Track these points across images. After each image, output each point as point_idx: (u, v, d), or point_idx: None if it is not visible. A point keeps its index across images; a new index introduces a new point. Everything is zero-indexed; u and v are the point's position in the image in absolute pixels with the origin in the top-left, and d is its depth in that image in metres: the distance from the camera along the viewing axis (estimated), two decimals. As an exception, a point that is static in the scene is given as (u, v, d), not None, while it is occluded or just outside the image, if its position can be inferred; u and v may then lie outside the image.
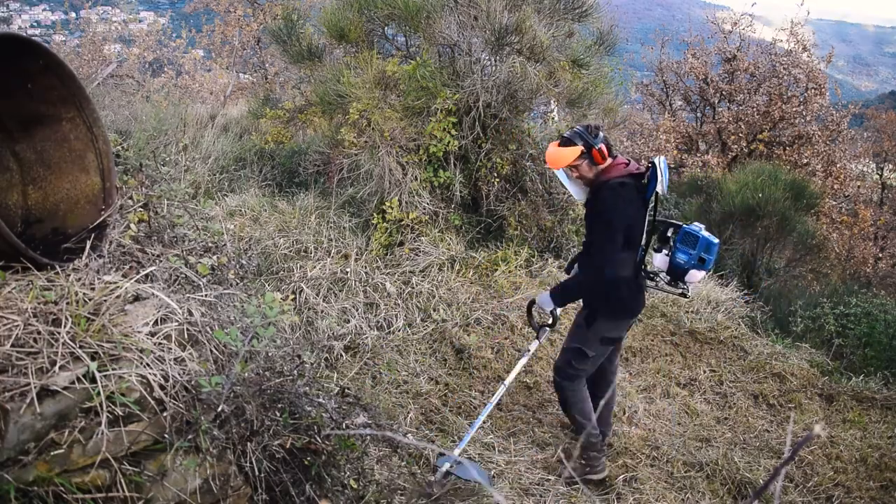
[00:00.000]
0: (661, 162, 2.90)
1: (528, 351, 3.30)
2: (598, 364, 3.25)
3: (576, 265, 3.43)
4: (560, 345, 4.59)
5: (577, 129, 2.99)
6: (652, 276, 3.29)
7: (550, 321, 3.29)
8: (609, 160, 3.00)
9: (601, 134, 2.98)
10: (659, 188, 2.91)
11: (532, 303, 3.40)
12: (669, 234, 3.23)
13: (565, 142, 2.99)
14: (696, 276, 3.12)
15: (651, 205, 3.05)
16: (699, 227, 3.12)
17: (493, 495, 2.50)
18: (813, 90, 11.05)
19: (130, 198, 2.34)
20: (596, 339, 3.11)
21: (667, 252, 3.21)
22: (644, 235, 3.06)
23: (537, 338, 3.30)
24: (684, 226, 3.15)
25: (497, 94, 5.28)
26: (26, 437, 1.42)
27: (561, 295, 3.16)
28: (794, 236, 7.32)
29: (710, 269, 3.17)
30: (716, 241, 3.09)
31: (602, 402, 3.33)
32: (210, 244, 2.43)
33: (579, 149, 2.94)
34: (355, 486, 2.18)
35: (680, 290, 3.21)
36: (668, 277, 3.21)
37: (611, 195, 2.92)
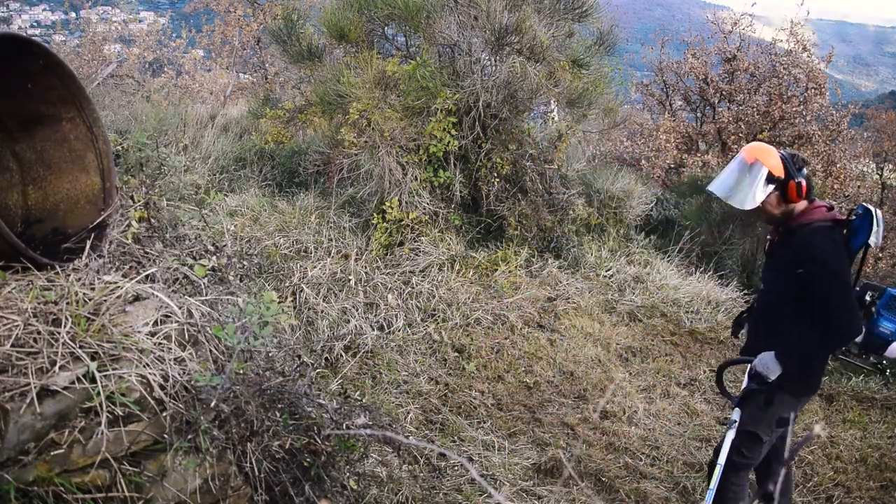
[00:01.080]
0: (874, 209, 2.50)
1: (735, 422, 2.68)
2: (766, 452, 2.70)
3: (746, 326, 2.92)
4: (565, 345, 4.60)
5: (782, 152, 2.54)
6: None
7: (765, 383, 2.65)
8: (804, 202, 2.54)
9: (805, 170, 2.53)
10: (872, 240, 2.47)
11: (725, 366, 2.89)
12: (868, 297, 2.75)
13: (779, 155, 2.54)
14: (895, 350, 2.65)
15: (856, 258, 2.59)
16: None
17: (493, 495, 2.50)
18: (813, 90, 11.05)
19: (132, 197, 2.34)
20: (773, 420, 2.60)
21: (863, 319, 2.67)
22: None
23: (738, 406, 2.71)
24: (889, 289, 2.69)
25: (497, 94, 5.29)
26: (26, 437, 1.41)
27: (798, 362, 2.50)
28: (794, 236, 7.30)
29: None
30: None
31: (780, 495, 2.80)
32: (210, 246, 2.43)
33: (782, 169, 2.48)
34: (355, 487, 2.18)
35: (872, 363, 2.88)
36: (860, 348, 2.72)
37: (824, 240, 2.44)
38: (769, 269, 2.77)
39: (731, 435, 2.63)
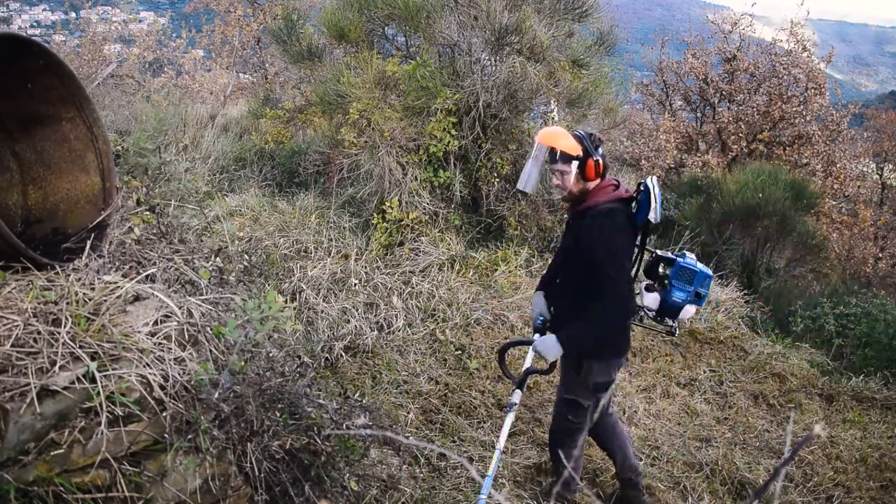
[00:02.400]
0: (653, 185, 2.58)
1: (514, 405, 2.79)
2: (594, 416, 2.87)
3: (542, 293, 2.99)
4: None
5: (578, 131, 2.65)
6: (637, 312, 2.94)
7: (545, 367, 2.92)
8: (597, 181, 2.67)
9: (601, 149, 2.66)
10: (651, 216, 2.58)
11: (506, 349, 3.04)
12: (661, 269, 2.89)
13: (571, 135, 2.65)
14: (689, 311, 2.84)
15: (641, 235, 2.76)
16: (693, 260, 2.83)
17: (493, 495, 2.50)
18: (813, 90, 11.05)
19: (138, 201, 2.34)
20: (588, 385, 2.75)
21: (657, 289, 2.87)
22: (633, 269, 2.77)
23: (519, 388, 2.83)
24: (679, 260, 2.82)
25: (497, 94, 5.29)
26: (26, 437, 1.42)
27: (573, 343, 2.66)
28: (794, 236, 7.31)
29: (703, 304, 2.92)
30: (710, 273, 2.83)
31: (619, 449, 3.03)
32: (214, 247, 2.43)
33: (578, 149, 2.59)
34: (355, 488, 2.18)
35: (668, 328, 2.91)
36: (656, 314, 2.88)
37: (600, 224, 2.57)
38: (561, 249, 2.95)
39: (510, 419, 2.75)
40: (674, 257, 2.85)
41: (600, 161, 2.62)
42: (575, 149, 2.59)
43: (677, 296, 2.80)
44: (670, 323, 2.89)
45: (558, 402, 2.90)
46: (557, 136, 2.62)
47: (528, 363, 2.92)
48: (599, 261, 2.54)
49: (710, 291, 5.66)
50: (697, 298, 2.81)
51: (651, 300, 2.87)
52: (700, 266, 2.81)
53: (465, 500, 3.06)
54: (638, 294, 2.94)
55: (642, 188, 2.61)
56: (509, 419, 2.74)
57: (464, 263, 5.19)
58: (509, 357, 4.22)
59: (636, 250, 2.79)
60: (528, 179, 2.74)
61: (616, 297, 2.57)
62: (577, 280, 2.69)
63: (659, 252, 2.96)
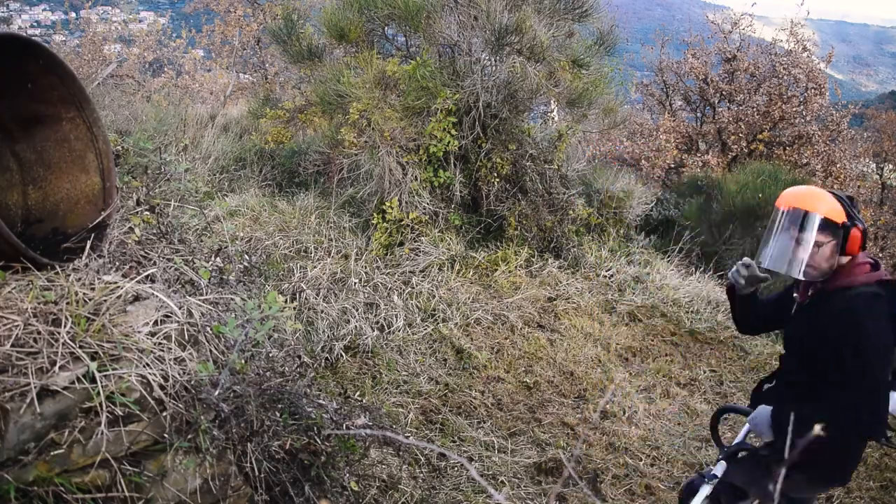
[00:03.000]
0: None
1: (714, 477, 2.26)
2: None
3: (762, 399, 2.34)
4: (565, 345, 4.61)
5: (838, 192, 2.10)
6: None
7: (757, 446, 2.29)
8: (857, 255, 2.08)
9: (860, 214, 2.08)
10: None
11: (720, 413, 2.50)
12: None
13: (832, 195, 2.08)
14: None
15: None
16: None
17: (493, 495, 2.51)
18: (813, 90, 11.06)
19: (138, 202, 2.34)
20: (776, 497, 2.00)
21: None
22: None
23: (726, 460, 2.30)
24: None
25: (497, 94, 5.29)
26: (26, 437, 1.41)
27: (787, 429, 2.05)
28: (794, 236, 7.30)
29: None
30: None
31: None
32: (214, 247, 2.43)
33: (843, 214, 2.02)
34: (356, 488, 2.18)
35: None
36: None
37: (865, 311, 1.99)
38: (793, 338, 2.27)
39: (704, 490, 2.22)
40: None
41: (861, 232, 2.03)
42: (839, 214, 2.03)
43: None
44: None
45: (720, 485, 2.26)
46: (816, 198, 2.05)
47: (740, 437, 2.44)
48: (860, 354, 1.96)
49: (710, 292, 5.69)
50: None
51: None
52: None
53: (466, 500, 3.06)
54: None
55: None
56: (703, 491, 2.22)
57: (464, 263, 5.19)
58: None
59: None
60: (778, 255, 2.10)
61: (872, 400, 1.96)
62: (821, 373, 2.07)
63: None
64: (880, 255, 10.96)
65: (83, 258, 1.86)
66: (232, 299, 2.09)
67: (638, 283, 5.61)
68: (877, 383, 1.96)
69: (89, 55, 11.62)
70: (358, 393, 3.71)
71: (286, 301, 3.80)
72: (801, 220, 2.06)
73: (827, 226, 2.01)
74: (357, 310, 4.37)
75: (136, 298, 1.81)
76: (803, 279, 2.10)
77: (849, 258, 2.07)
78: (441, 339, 4.41)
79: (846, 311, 2.00)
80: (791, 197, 2.10)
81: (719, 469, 2.29)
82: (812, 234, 2.04)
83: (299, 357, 2.16)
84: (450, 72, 5.42)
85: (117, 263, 1.98)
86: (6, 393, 1.40)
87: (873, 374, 1.95)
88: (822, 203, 2.04)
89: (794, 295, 2.24)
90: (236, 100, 11.42)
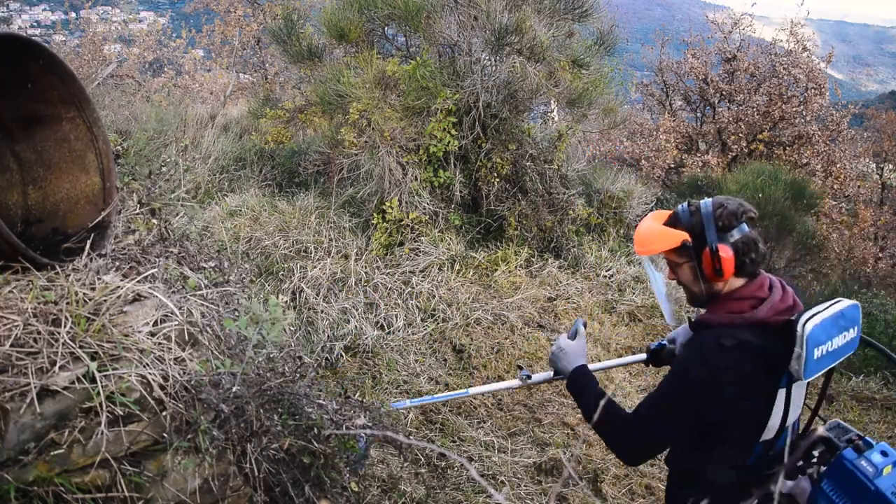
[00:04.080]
0: (803, 327, 1.54)
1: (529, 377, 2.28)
2: None
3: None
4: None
5: (702, 202, 1.72)
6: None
7: (548, 375, 2.24)
8: (734, 280, 1.70)
9: (740, 225, 1.66)
10: (793, 366, 1.56)
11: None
12: (815, 453, 1.72)
13: (670, 218, 1.78)
14: None
15: (797, 382, 1.65)
16: (876, 461, 1.59)
17: (493, 495, 2.51)
18: (813, 90, 11.06)
19: (139, 202, 2.34)
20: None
21: (802, 480, 1.72)
22: (770, 427, 1.67)
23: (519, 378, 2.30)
24: (842, 452, 1.64)
25: (497, 94, 5.29)
26: (26, 437, 1.41)
27: (576, 394, 1.94)
28: (794, 236, 7.32)
29: None
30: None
31: None
32: (214, 248, 2.43)
33: (681, 236, 1.69)
34: (356, 490, 2.18)
35: None
36: None
37: (694, 362, 1.66)
38: None
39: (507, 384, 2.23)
40: (837, 444, 1.67)
41: (725, 252, 1.65)
42: (673, 239, 1.72)
43: None
44: None
45: None
46: (647, 238, 1.77)
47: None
48: (661, 398, 1.72)
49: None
50: None
51: (789, 488, 1.74)
52: (884, 478, 1.57)
53: (466, 500, 3.06)
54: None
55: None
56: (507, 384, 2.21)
57: (464, 263, 5.19)
58: (509, 356, 4.22)
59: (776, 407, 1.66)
60: (666, 310, 1.95)
61: (643, 443, 1.74)
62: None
63: (821, 429, 1.79)
64: (880, 255, 10.96)
65: (83, 258, 1.86)
66: (232, 299, 2.09)
67: (638, 283, 5.61)
68: (646, 433, 1.70)
69: (89, 55, 11.63)
70: (358, 393, 3.71)
71: (286, 302, 3.80)
72: (647, 265, 1.93)
73: (673, 251, 1.73)
74: (357, 310, 4.38)
75: (136, 298, 1.81)
76: (672, 324, 1.89)
77: (731, 282, 1.70)
78: (441, 339, 4.42)
79: (691, 350, 1.71)
80: (634, 241, 1.81)
81: (541, 376, 2.29)
82: (656, 274, 1.84)
83: (299, 357, 2.16)
84: (450, 72, 5.42)
85: (117, 263, 1.98)
86: (6, 393, 1.40)
87: (650, 420, 1.69)
88: (650, 242, 1.74)
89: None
90: (236, 100, 11.43)
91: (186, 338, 1.79)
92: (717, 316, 1.69)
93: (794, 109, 10.84)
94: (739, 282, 1.70)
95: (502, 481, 3.24)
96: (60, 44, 13.72)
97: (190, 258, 2.22)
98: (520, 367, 2.73)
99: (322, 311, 4.27)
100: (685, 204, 1.76)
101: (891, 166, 14.06)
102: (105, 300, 1.71)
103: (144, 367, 1.61)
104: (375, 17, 5.69)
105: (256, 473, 1.78)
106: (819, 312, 1.59)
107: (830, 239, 9.50)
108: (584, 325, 2.08)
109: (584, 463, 3.48)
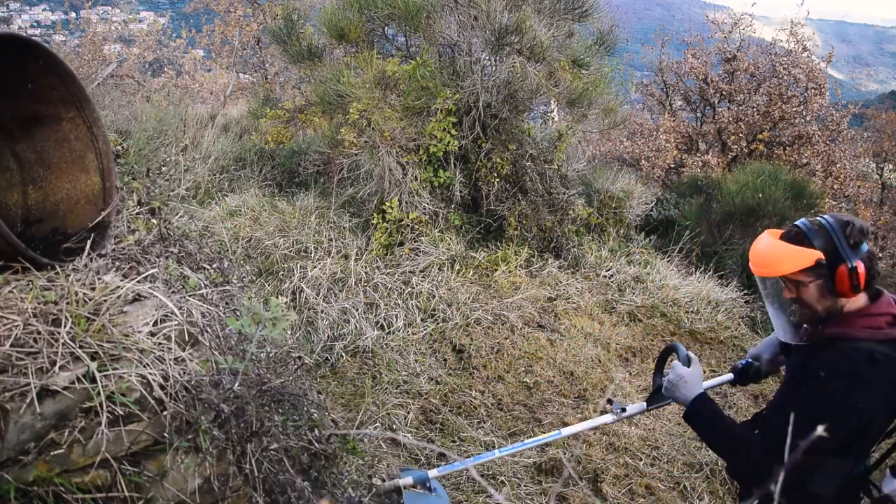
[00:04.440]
0: None
1: (624, 410, 2.33)
2: None
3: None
4: (565, 345, 4.61)
5: (824, 219, 1.73)
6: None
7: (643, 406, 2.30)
8: (861, 298, 1.74)
9: (866, 245, 1.71)
10: None
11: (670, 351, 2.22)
12: None
13: (796, 236, 1.74)
14: None
15: None
16: None
17: (493, 495, 2.50)
18: (813, 90, 11.05)
19: (139, 202, 2.34)
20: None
21: None
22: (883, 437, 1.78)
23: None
24: None
25: (497, 94, 5.29)
26: (26, 437, 1.41)
27: (701, 424, 1.95)
28: (794, 236, 7.30)
29: None
30: None
31: None
32: (214, 248, 2.43)
33: (815, 255, 1.70)
34: (355, 492, 2.18)
35: None
36: None
37: (842, 374, 1.66)
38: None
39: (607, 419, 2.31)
40: None
41: (859, 267, 1.68)
42: (806, 258, 1.73)
43: None
44: None
45: None
46: (773, 257, 1.79)
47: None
48: (799, 412, 1.51)
49: (710, 292, 5.69)
50: None
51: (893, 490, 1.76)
52: None
53: (466, 500, 3.06)
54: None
55: None
56: (605, 419, 2.22)
57: (464, 263, 5.19)
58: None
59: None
60: (776, 325, 1.95)
61: (776, 453, 1.69)
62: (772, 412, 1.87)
63: None
64: (880, 255, 10.96)
65: (83, 258, 1.86)
66: (233, 300, 2.09)
67: (638, 283, 5.61)
68: (779, 449, 1.67)
69: (89, 55, 11.62)
70: (358, 393, 3.71)
71: (286, 302, 3.80)
72: (765, 284, 1.92)
73: (802, 272, 1.73)
74: (357, 310, 4.38)
75: (136, 298, 1.81)
76: (791, 342, 1.90)
77: (857, 300, 1.73)
78: (441, 339, 4.41)
79: (822, 360, 1.71)
80: (753, 261, 1.83)
81: (635, 408, 2.34)
82: (779, 296, 1.86)
83: (300, 358, 2.16)
84: (450, 72, 5.42)
85: (117, 263, 1.97)
86: (6, 393, 1.40)
87: (782, 437, 1.63)
88: (780, 262, 1.74)
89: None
90: (236, 100, 11.42)
91: (186, 338, 1.79)
92: (854, 331, 1.70)
93: (794, 109, 10.84)
94: (863, 298, 1.74)
95: (502, 481, 3.24)
96: (60, 44, 13.71)
97: (190, 258, 2.22)
98: (610, 402, 2.55)
99: (322, 311, 4.27)
100: (805, 221, 1.75)
101: (891, 166, 14.05)
102: (105, 300, 1.70)
103: (144, 367, 1.61)
104: (375, 17, 5.69)
105: (256, 473, 1.78)
106: None
107: (830, 239, 9.47)
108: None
109: (584, 463, 3.48)
